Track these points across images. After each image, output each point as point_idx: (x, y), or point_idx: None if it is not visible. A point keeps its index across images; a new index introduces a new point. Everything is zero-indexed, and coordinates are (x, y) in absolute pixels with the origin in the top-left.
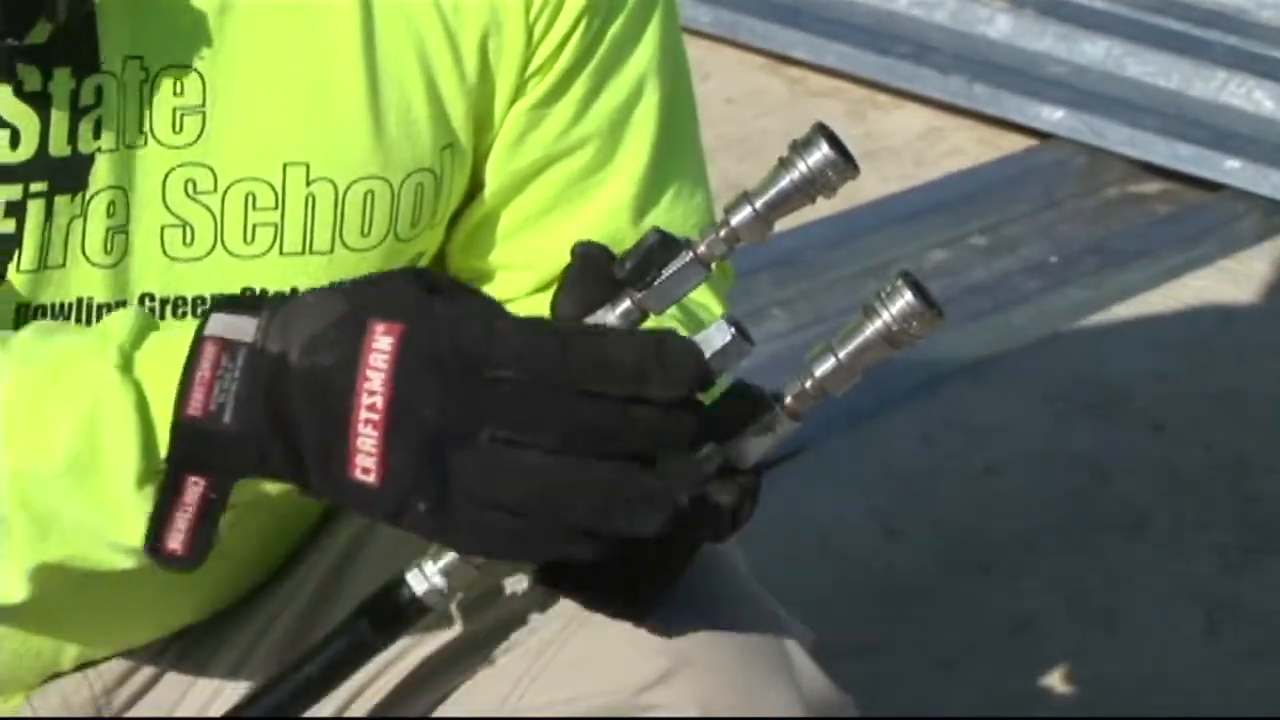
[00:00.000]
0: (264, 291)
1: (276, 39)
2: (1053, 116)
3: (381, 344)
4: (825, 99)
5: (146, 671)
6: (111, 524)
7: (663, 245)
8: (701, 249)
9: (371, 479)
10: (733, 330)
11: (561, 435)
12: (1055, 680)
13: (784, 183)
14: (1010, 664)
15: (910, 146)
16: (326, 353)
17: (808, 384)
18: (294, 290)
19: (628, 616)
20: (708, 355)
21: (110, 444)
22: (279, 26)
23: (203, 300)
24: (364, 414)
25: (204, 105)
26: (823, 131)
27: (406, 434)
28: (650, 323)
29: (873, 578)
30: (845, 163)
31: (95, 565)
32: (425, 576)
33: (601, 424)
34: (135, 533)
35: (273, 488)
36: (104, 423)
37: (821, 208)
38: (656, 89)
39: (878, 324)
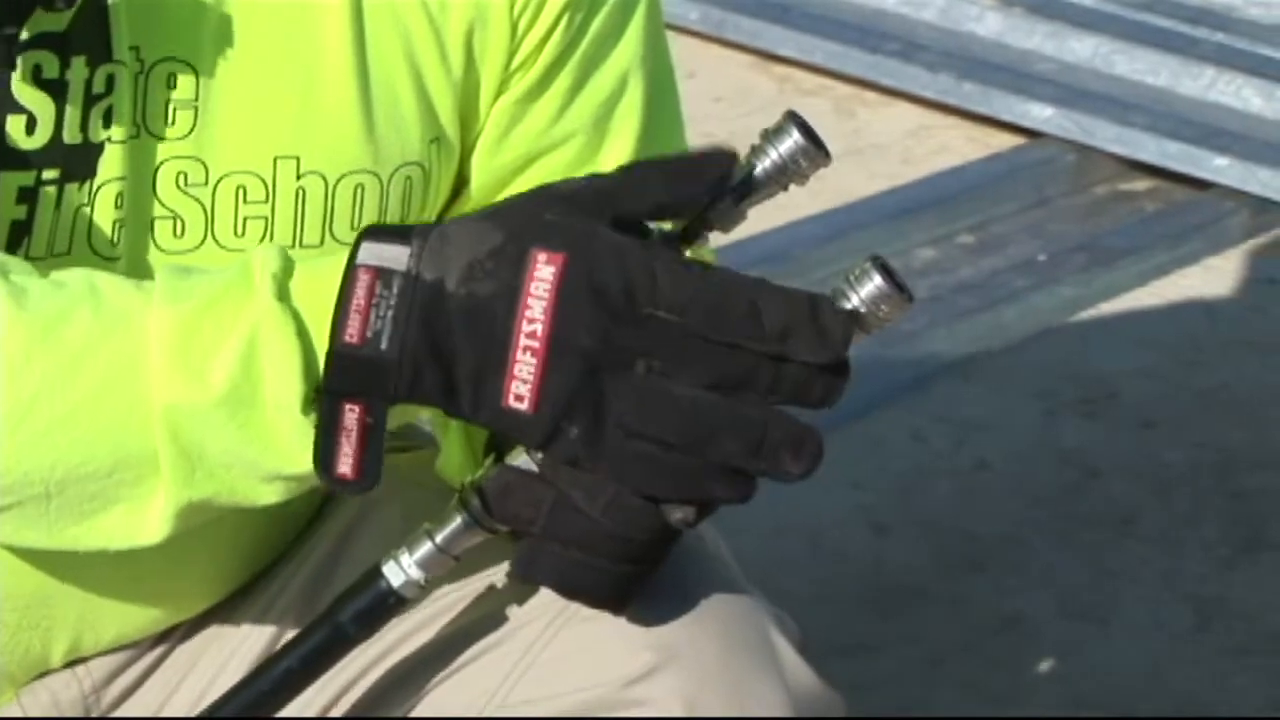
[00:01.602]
0: None
1: (269, 34)
2: (1041, 114)
3: (544, 273)
4: (813, 97)
5: (136, 669)
6: (267, 453)
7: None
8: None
9: (524, 406)
10: None
11: (712, 378)
12: (1045, 677)
13: (756, 171)
14: (1000, 661)
15: (899, 144)
16: (485, 281)
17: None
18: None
19: (607, 608)
20: None
21: (271, 372)
22: (272, 22)
23: None
24: (524, 341)
25: (196, 99)
26: (794, 119)
27: (565, 362)
28: None
29: (862, 575)
30: (817, 150)
31: (240, 501)
32: (402, 568)
33: (751, 372)
34: (294, 459)
35: (424, 413)
36: (264, 351)
37: (810, 205)
38: (640, 84)
39: (847, 308)
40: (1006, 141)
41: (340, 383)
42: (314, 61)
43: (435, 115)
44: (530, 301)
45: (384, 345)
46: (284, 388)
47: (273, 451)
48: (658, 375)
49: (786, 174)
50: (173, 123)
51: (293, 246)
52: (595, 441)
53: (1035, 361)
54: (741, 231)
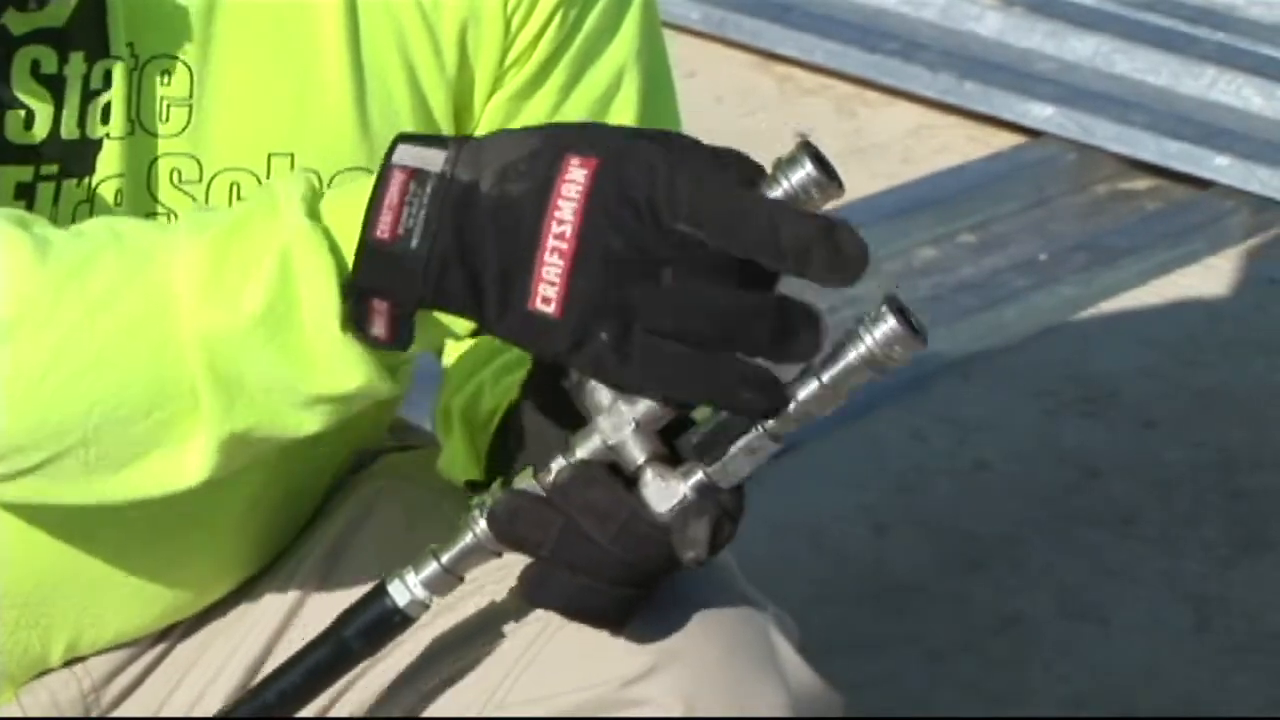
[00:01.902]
0: None
1: (264, 33)
2: (1042, 113)
3: (576, 175)
4: (814, 96)
5: (135, 668)
6: (308, 374)
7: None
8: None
9: (551, 309)
10: None
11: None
12: (1045, 676)
13: None
14: (999, 660)
15: (899, 144)
16: (518, 182)
17: (790, 408)
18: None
19: (608, 628)
20: None
21: (307, 290)
22: (266, 20)
23: None
24: (552, 242)
25: (191, 97)
26: (807, 149)
27: (592, 264)
28: None
29: (862, 574)
30: (829, 181)
31: (281, 431)
32: (407, 588)
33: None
34: (334, 378)
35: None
36: (299, 269)
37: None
38: (635, 80)
39: (861, 349)
40: (1007, 141)
41: (368, 278)
42: (309, 59)
43: (430, 112)
44: (560, 202)
45: (414, 243)
46: (321, 304)
47: (313, 371)
48: (684, 282)
49: (797, 204)
50: (167, 119)
51: None
52: (624, 345)
53: (1035, 361)
54: None
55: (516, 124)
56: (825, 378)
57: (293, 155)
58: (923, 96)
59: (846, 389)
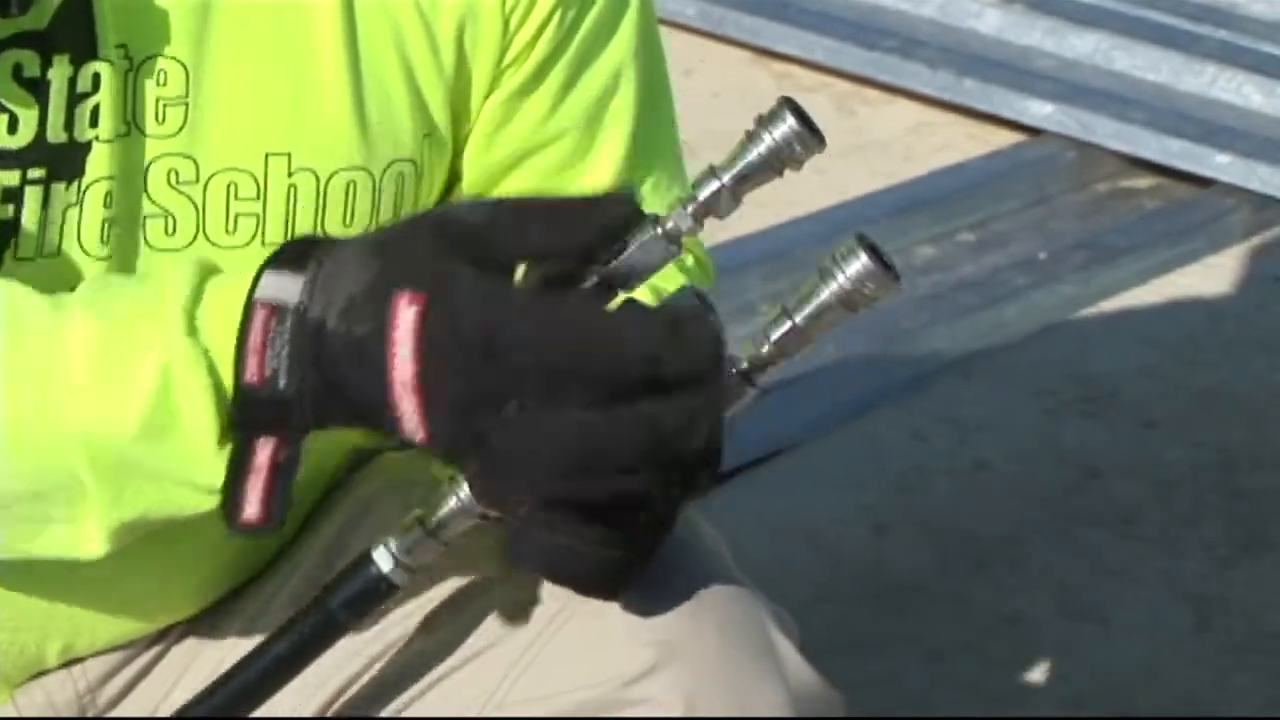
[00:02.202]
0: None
1: (260, 31)
2: (1042, 111)
3: (406, 315)
4: (813, 93)
5: (132, 669)
6: (194, 471)
7: (627, 219)
8: (669, 224)
9: (421, 437)
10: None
11: (586, 404)
12: (1045, 676)
13: (751, 156)
14: (1000, 660)
15: (899, 141)
16: (360, 321)
17: (764, 349)
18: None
19: (598, 594)
20: None
21: (186, 407)
22: (263, 19)
23: None
24: (398, 385)
25: (187, 96)
26: (788, 105)
27: (439, 403)
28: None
29: (862, 575)
30: (811, 135)
31: (177, 512)
32: (392, 554)
33: (627, 391)
34: (218, 475)
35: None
36: (177, 388)
37: (810, 203)
38: (633, 81)
39: (833, 286)
40: (1007, 138)
41: (248, 420)
42: (306, 58)
43: (427, 110)
44: (397, 348)
45: (282, 384)
46: (200, 422)
47: (199, 470)
48: (531, 412)
49: (781, 159)
50: (163, 120)
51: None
52: (492, 466)
53: (1036, 360)
54: (742, 229)
55: (514, 125)
56: (798, 318)
57: (290, 155)
58: (922, 94)
59: (819, 329)
